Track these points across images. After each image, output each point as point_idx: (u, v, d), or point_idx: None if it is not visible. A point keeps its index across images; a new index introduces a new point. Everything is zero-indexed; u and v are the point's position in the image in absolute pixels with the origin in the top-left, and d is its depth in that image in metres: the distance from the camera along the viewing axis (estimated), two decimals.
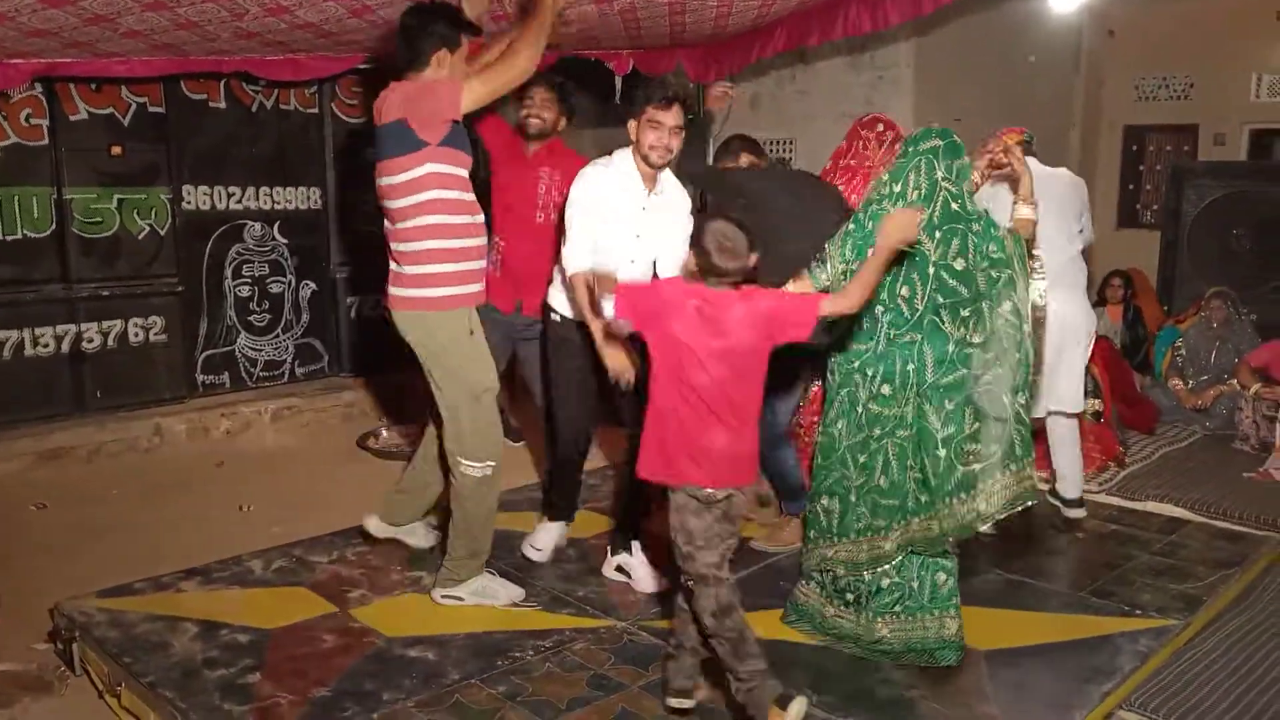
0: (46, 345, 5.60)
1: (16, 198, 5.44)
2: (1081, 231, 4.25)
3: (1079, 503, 4.41)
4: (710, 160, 4.05)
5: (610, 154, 3.58)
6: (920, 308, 2.98)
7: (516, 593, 3.51)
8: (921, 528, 3.00)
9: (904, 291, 3.00)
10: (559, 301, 3.63)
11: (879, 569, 3.10)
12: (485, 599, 3.45)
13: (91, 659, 3.20)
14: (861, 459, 3.09)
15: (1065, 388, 4.20)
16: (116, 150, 5.73)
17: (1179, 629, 3.36)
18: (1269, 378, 5.54)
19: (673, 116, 3.40)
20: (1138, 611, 3.46)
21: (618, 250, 3.44)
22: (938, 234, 2.95)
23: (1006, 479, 2.95)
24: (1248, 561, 3.95)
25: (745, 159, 3.88)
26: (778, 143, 6.83)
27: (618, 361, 3.32)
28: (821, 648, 3.18)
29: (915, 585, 3.08)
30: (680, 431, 2.63)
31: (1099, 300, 6.73)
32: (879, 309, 3.02)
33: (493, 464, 3.34)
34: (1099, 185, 8.20)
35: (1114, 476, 4.97)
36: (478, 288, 3.34)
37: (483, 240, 3.37)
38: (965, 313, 2.95)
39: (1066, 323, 4.05)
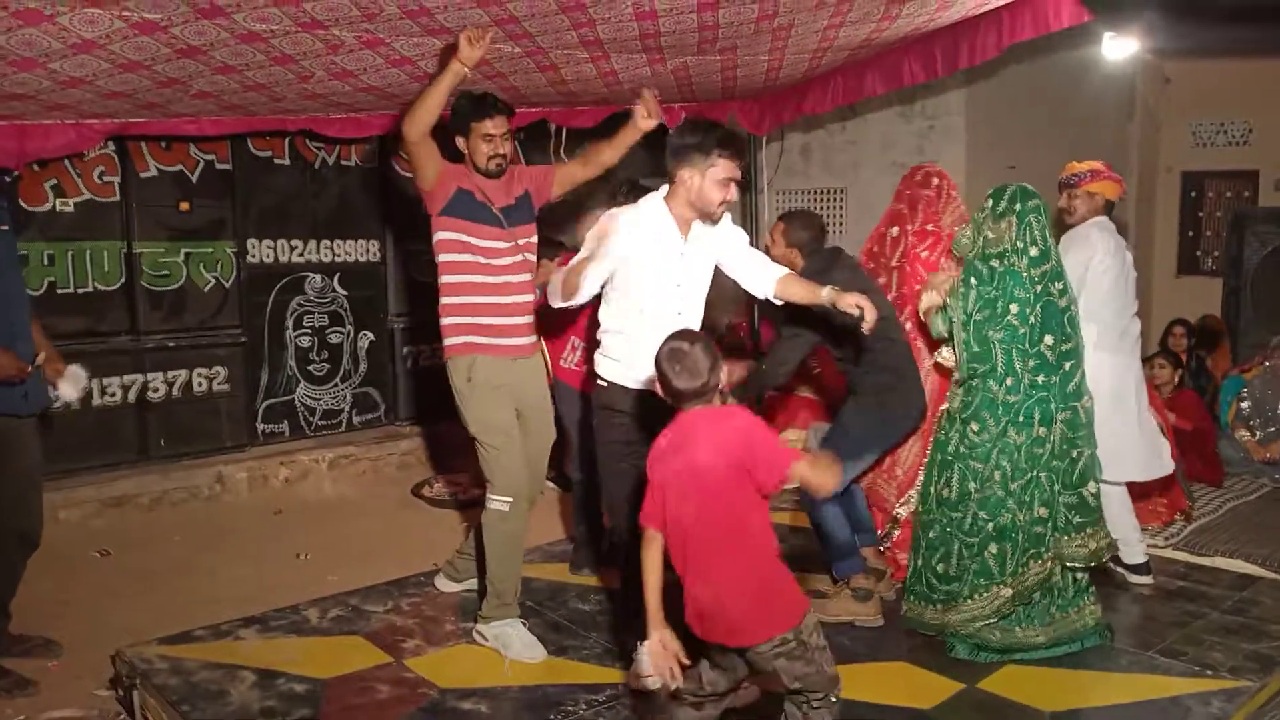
0: (114, 395, 5.75)
1: (89, 252, 5.63)
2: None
3: (1145, 567, 4.20)
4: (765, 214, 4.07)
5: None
6: (1059, 352, 3.38)
7: (534, 651, 3.44)
8: (1077, 543, 3.41)
9: (1048, 340, 3.36)
10: (605, 365, 3.26)
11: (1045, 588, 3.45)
12: (500, 647, 3.48)
13: (151, 706, 3.23)
14: (1025, 498, 3.38)
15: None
16: (184, 206, 5.91)
17: (1254, 690, 3.24)
18: None
19: (739, 169, 3.20)
20: (1209, 672, 3.34)
21: (663, 305, 3.16)
22: (1058, 284, 3.39)
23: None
24: None
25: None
26: (829, 192, 6.85)
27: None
28: (879, 706, 3.11)
29: (1061, 584, 3.47)
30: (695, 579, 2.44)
31: (1160, 349, 6.60)
32: (1025, 359, 3.35)
33: (510, 499, 3.47)
34: (1159, 232, 8.10)
35: (1181, 531, 4.84)
36: (489, 340, 3.52)
37: (502, 299, 3.52)
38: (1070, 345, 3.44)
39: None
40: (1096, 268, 3.95)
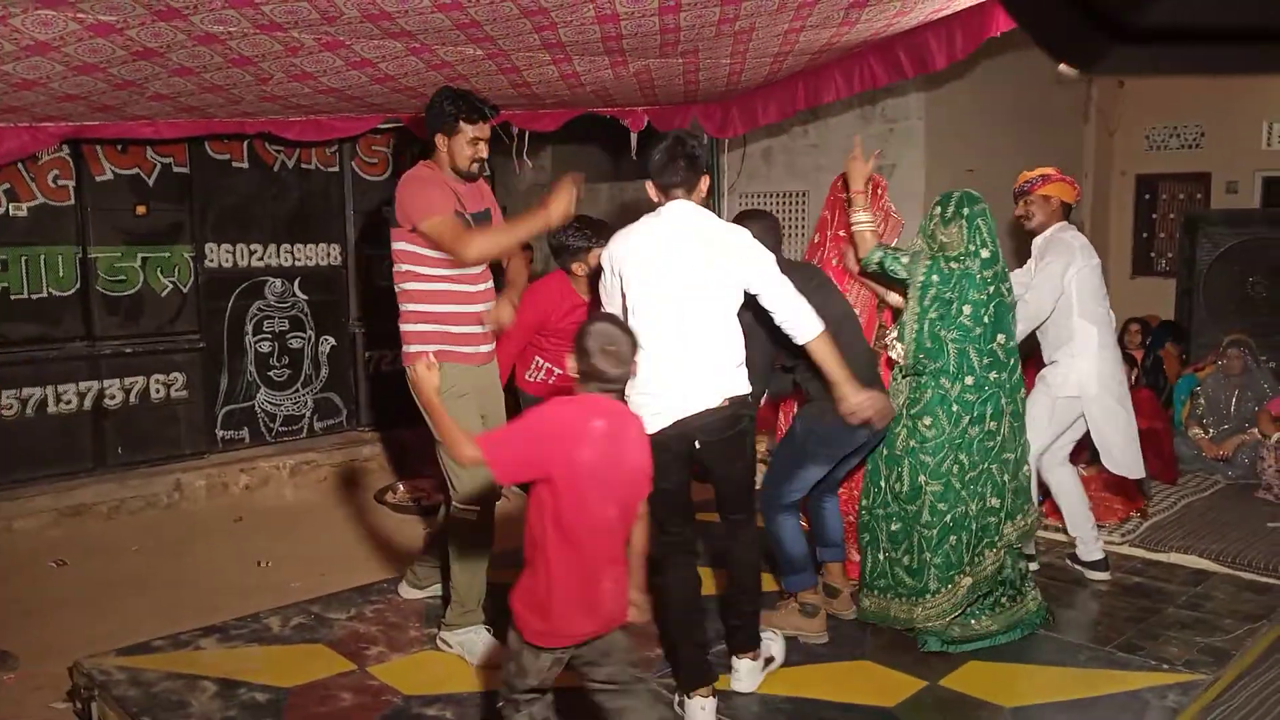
0: (69, 402, 5.66)
1: (42, 257, 5.54)
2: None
3: (1103, 564, 4.27)
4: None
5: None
6: (1008, 349, 3.51)
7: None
8: (1018, 526, 3.57)
9: (1000, 339, 3.48)
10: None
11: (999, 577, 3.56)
12: (464, 654, 3.47)
13: (111, 718, 3.18)
14: (977, 489, 3.50)
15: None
16: (141, 210, 5.84)
17: (1208, 683, 3.30)
18: None
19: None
20: (1165, 666, 3.41)
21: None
22: (1007, 284, 3.52)
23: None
24: (1276, 614, 3.89)
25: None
26: (791, 195, 6.89)
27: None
28: (844, 705, 3.14)
29: (1013, 575, 3.61)
30: (596, 583, 2.34)
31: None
32: (980, 358, 3.45)
33: (475, 507, 3.46)
34: (1114, 234, 8.23)
35: (1137, 528, 4.92)
36: (456, 348, 3.48)
37: (474, 308, 3.50)
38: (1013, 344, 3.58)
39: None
40: (1083, 270, 4.01)
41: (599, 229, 3.98)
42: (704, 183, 3.08)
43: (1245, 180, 7.65)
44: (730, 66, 4.74)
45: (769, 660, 3.29)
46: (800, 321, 3.05)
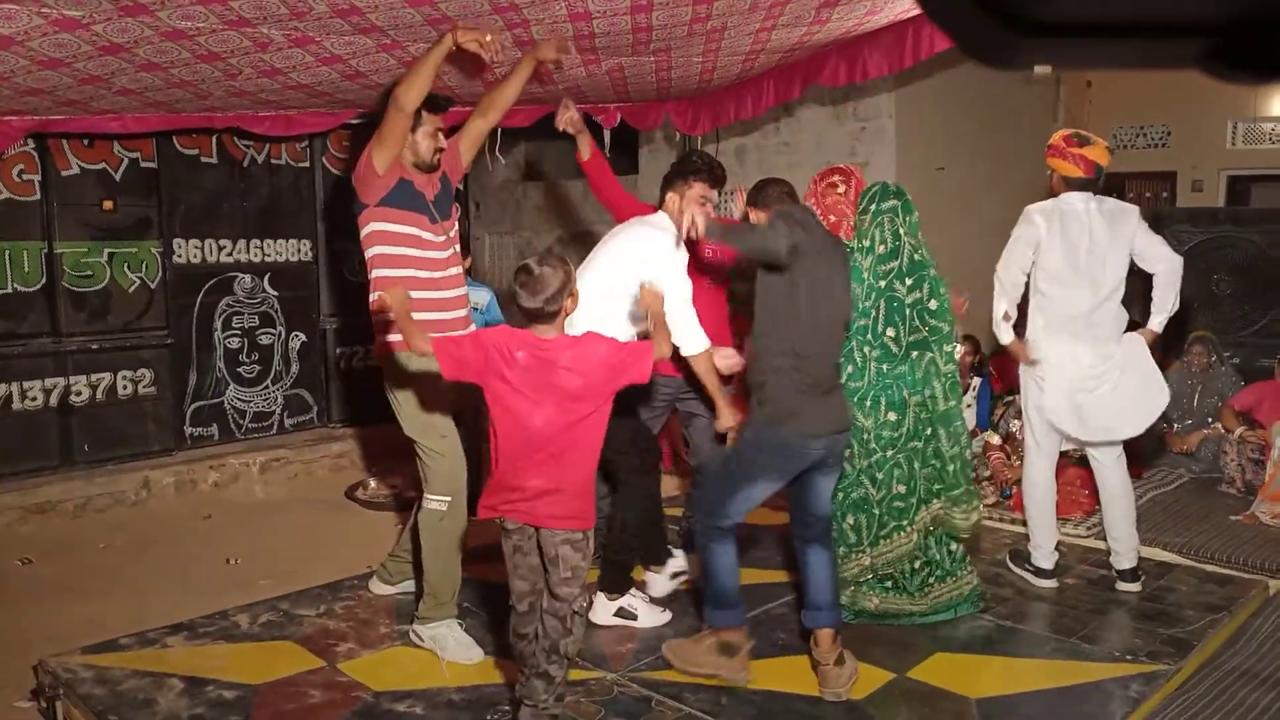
0: (35, 399, 5.60)
1: (7, 252, 5.48)
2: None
3: (1051, 573, 4.15)
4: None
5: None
6: (905, 343, 3.52)
7: (470, 652, 3.44)
8: (936, 511, 3.60)
9: (890, 332, 3.52)
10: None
11: (912, 555, 3.62)
12: (435, 648, 3.47)
13: (76, 717, 3.16)
14: (879, 476, 3.57)
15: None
16: (108, 205, 5.79)
17: (1170, 674, 3.36)
18: (1252, 421, 5.58)
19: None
20: (1128, 657, 3.46)
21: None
22: (909, 280, 3.52)
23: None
24: (1236, 605, 3.96)
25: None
26: None
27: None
28: (813, 698, 3.17)
29: (938, 557, 3.68)
30: (521, 474, 2.68)
31: None
32: (867, 349, 3.52)
33: (447, 499, 3.45)
34: None
35: (1102, 521, 4.98)
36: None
37: (441, 294, 3.49)
38: (948, 347, 3.57)
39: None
40: (1042, 248, 3.91)
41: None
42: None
43: (1210, 179, 7.78)
44: (702, 65, 4.76)
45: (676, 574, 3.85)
46: (686, 337, 3.41)
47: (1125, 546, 4.10)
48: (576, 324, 2.94)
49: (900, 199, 3.56)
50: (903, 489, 3.58)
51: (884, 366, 3.52)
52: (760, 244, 3.03)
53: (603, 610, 3.69)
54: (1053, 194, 4.03)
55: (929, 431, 3.57)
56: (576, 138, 4.17)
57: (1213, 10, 0.45)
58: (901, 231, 3.53)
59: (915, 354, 3.53)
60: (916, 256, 3.54)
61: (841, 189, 3.93)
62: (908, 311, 3.52)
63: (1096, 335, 3.96)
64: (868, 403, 3.54)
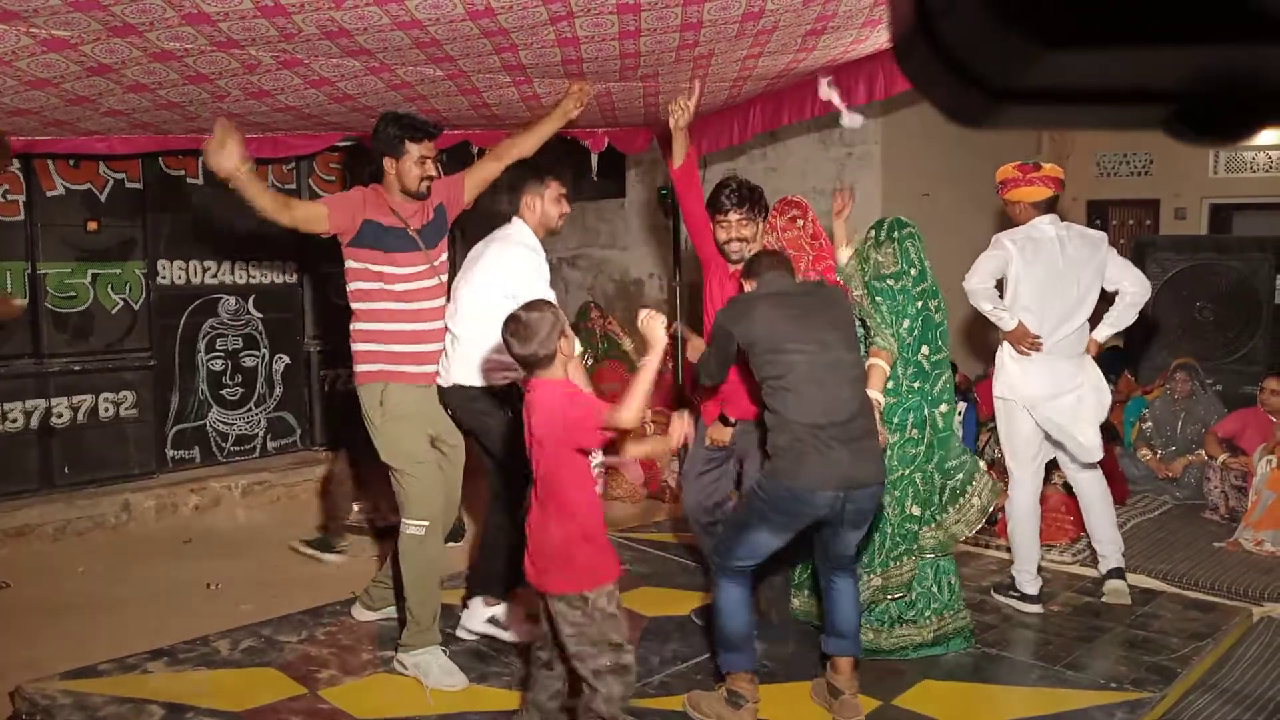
0: (15, 420, 5.54)
1: None
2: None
3: (1037, 599, 4.17)
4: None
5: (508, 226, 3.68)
6: (933, 362, 3.64)
7: (453, 679, 3.41)
8: (932, 535, 3.65)
9: (924, 351, 3.62)
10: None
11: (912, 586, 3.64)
12: (419, 675, 3.44)
13: None
14: (897, 494, 3.59)
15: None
16: (92, 226, 5.75)
17: (1154, 701, 3.36)
18: (1235, 448, 5.61)
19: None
20: (1114, 684, 3.46)
21: None
22: (935, 300, 3.66)
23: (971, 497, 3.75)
24: (1220, 632, 3.97)
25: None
26: None
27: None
28: None
29: (936, 590, 3.69)
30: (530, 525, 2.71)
31: None
32: (901, 367, 3.58)
33: (425, 523, 3.46)
34: None
35: (1087, 547, 4.99)
36: (400, 368, 3.50)
37: (420, 325, 3.51)
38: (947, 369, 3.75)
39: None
40: (1014, 275, 4.03)
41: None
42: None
43: (1193, 207, 7.84)
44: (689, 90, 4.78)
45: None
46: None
47: (1110, 548, 4.27)
48: (461, 339, 3.34)
49: (912, 227, 3.71)
50: (916, 510, 3.63)
51: (915, 384, 3.62)
52: (703, 370, 3.37)
53: (475, 617, 3.76)
54: (1017, 224, 4.10)
55: (942, 451, 3.69)
56: (674, 136, 3.92)
57: (1173, 81, 0.48)
58: (923, 255, 3.68)
59: (935, 372, 3.66)
60: (932, 279, 3.69)
61: (800, 223, 4.04)
62: (936, 331, 3.66)
63: (1068, 355, 4.08)
64: (894, 420, 3.59)
